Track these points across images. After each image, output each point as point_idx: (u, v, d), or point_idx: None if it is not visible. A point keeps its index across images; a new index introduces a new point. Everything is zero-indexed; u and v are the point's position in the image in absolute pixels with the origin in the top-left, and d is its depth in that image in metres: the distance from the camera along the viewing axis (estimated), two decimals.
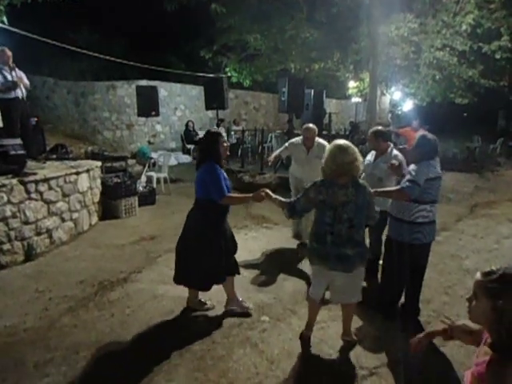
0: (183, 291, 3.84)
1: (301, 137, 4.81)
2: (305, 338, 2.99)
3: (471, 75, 10.56)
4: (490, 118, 19.96)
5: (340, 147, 2.64)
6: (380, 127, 4.26)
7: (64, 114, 11.86)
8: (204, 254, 3.14)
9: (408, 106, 16.05)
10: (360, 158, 2.68)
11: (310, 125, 4.62)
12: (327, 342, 3.06)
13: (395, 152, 3.87)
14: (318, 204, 2.68)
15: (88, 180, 5.74)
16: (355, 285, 2.84)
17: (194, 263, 3.18)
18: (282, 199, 2.95)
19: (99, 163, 6.36)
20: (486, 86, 11.13)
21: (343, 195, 2.59)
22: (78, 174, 5.42)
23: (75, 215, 5.36)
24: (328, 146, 2.81)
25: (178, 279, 3.33)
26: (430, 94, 12.04)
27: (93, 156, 7.48)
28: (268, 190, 3.03)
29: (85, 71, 11.79)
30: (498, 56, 9.88)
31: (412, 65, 11.24)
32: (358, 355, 2.91)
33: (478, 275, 1.35)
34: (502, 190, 9.17)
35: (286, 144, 5.03)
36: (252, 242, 5.27)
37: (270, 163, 5.07)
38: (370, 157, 4.07)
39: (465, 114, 20.65)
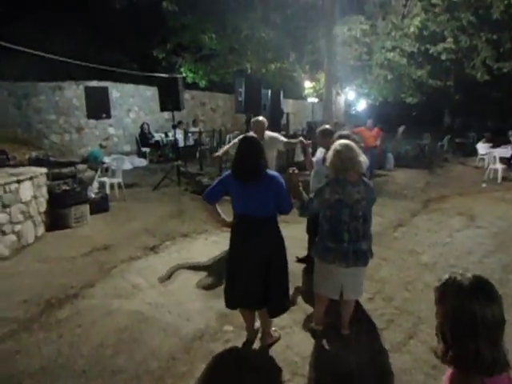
0: (139, 304, 3.63)
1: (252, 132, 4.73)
2: (316, 333, 3.12)
3: (420, 75, 11.00)
4: (437, 116, 21.05)
5: (343, 145, 2.79)
6: (327, 126, 4.42)
7: (4, 117, 10.96)
8: (286, 267, 2.88)
9: (362, 105, 16.54)
10: (363, 155, 2.82)
11: (260, 117, 4.54)
12: (293, 348, 2.97)
13: None
14: (333, 203, 2.73)
15: (32, 188, 5.29)
16: (363, 279, 3.00)
17: (284, 281, 2.86)
18: (304, 194, 2.84)
19: (44, 170, 5.89)
20: (434, 85, 11.67)
21: (357, 193, 2.73)
22: (19, 182, 4.98)
23: (18, 227, 4.92)
24: (332, 146, 2.89)
25: (274, 311, 2.90)
26: (382, 93, 12.42)
27: (37, 162, 6.95)
28: (296, 171, 2.80)
29: (26, 71, 10.96)
30: (443, 57, 10.37)
31: (365, 65, 11.53)
32: (326, 361, 2.85)
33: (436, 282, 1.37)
34: (452, 184, 9.65)
35: (235, 140, 4.91)
36: (212, 247, 5.10)
37: (215, 157, 5.06)
38: (320, 154, 4.18)
39: (414, 113, 21.60)
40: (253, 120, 4.56)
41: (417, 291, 3.94)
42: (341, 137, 3.58)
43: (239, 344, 3.02)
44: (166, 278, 4.20)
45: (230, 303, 2.90)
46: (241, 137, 2.88)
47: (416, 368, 2.74)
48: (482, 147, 12.28)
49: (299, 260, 4.55)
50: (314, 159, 4.26)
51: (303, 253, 4.54)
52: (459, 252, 5.01)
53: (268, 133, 4.53)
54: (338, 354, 2.90)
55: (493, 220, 6.39)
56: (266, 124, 4.49)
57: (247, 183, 2.67)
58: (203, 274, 4.30)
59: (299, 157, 4.48)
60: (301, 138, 4.40)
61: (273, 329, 3.07)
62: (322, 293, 3.02)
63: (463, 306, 1.22)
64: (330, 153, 2.82)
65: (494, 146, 11.72)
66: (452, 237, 5.66)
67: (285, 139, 4.66)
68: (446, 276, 1.32)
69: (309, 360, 2.84)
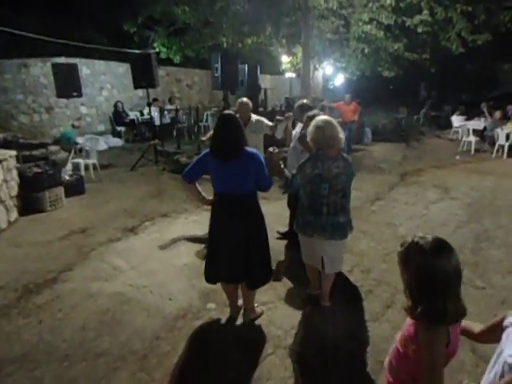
0: (120, 286, 3.60)
1: (237, 114, 4.63)
2: (313, 298, 3.26)
3: (397, 48, 10.96)
4: (413, 89, 21.21)
5: (325, 121, 2.81)
6: (305, 101, 4.37)
7: None
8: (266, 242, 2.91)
9: (339, 80, 16.45)
10: (342, 131, 2.86)
11: (244, 99, 4.44)
12: (275, 322, 3.03)
13: None
14: (313, 178, 2.78)
15: (1, 172, 5.08)
16: (342, 253, 3.11)
17: (265, 255, 2.90)
18: (286, 172, 2.89)
19: (14, 152, 5.65)
20: (410, 58, 11.69)
21: (336, 168, 2.78)
22: None
23: None
24: (313, 122, 2.88)
25: (254, 284, 2.93)
26: (359, 67, 12.37)
27: (6, 144, 6.64)
28: (276, 150, 2.78)
29: None
30: (419, 30, 10.33)
31: (342, 39, 11.42)
32: (308, 333, 2.91)
33: (398, 247, 1.46)
34: (427, 157, 9.84)
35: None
36: (193, 226, 5.07)
37: (204, 142, 4.90)
38: (298, 128, 4.15)
39: (391, 87, 21.67)
40: (238, 101, 4.45)
41: (394, 263, 3.98)
42: (309, 118, 3.39)
43: (223, 321, 3.06)
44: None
45: (210, 278, 2.93)
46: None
47: (395, 336, 2.84)
48: (456, 120, 12.51)
49: (281, 234, 4.60)
50: (293, 133, 4.24)
51: (284, 228, 4.58)
52: (435, 223, 5.16)
53: (254, 116, 4.44)
54: (320, 326, 2.97)
55: (466, 191, 6.59)
56: (251, 105, 4.39)
57: (226, 161, 2.64)
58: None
59: (279, 134, 4.42)
60: (278, 117, 4.34)
61: (255, 305, 3.12)
62: (308, 262, 3.15)
63: (426, 265, 1.34)
64: (311, 129, 2.81)
65: (467, 119, 11.96)
66: (428, 209, 5.82)
67: (270, 123, 4.51)
68: (408, 240, 1.42)
69: (291, 333, 2.90)
